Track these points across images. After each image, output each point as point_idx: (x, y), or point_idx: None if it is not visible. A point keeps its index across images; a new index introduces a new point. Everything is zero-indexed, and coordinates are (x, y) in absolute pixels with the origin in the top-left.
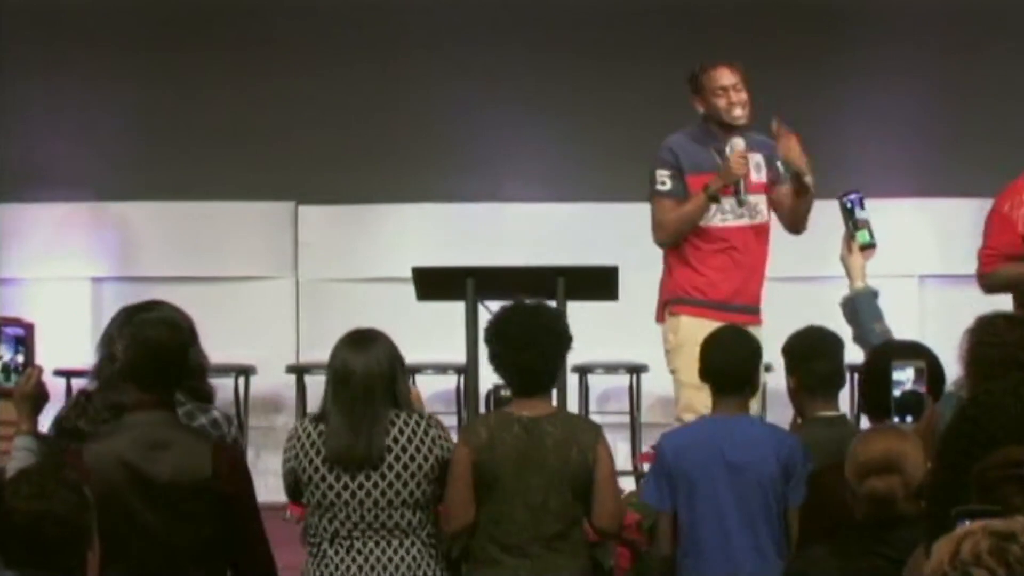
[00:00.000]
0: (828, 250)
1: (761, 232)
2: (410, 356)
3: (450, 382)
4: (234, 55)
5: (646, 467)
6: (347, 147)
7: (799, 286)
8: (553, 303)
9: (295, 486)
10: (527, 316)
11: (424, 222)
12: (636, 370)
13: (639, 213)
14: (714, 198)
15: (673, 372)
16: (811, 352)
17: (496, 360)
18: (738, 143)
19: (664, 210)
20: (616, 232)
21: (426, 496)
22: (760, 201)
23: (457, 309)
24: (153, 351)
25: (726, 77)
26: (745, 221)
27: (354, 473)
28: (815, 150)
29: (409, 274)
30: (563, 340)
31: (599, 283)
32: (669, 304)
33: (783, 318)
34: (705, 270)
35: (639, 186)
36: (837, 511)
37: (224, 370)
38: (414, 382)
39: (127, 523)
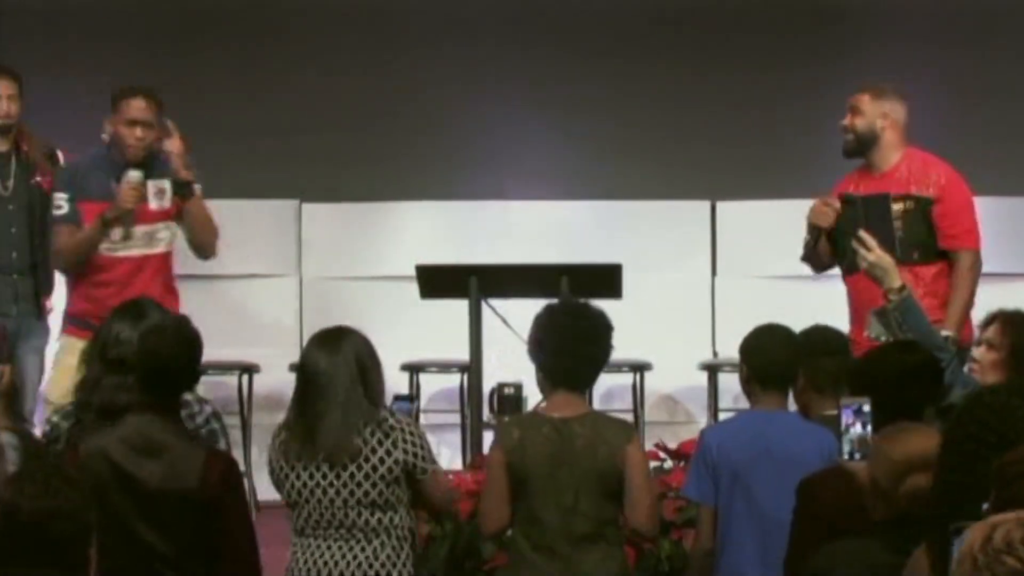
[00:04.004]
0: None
1: (152, 262)
2: (413, 354)
3: (453, 380)
4: (237, 53)
5: (651, 465)
6: (351, 145)
7: (799, 285)
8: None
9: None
10: (575, 316)
11: (428, 220)
12: (639, 368)
13: (642, 211)
14: (107, 226)
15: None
16: (820, 350)
17: (539, 357)
18: (134, 175)
19: (61, 235)
20: (619, 230)
21: (388, 498)
22: (159, 230)
23: (461, 307)
24: (165, 362)
25: (136, 111)
26: (135, 251)
27: (316, 469)
28: (817, 149)
29: (413, 272)
30: (608, 341)
31: (602, 281)
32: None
33: (785, 317)
34: (95, 295)
35: (642, 184)
36: (831, 519)
37: (227, 368)
38: (417, 380)
39: (111, 523)
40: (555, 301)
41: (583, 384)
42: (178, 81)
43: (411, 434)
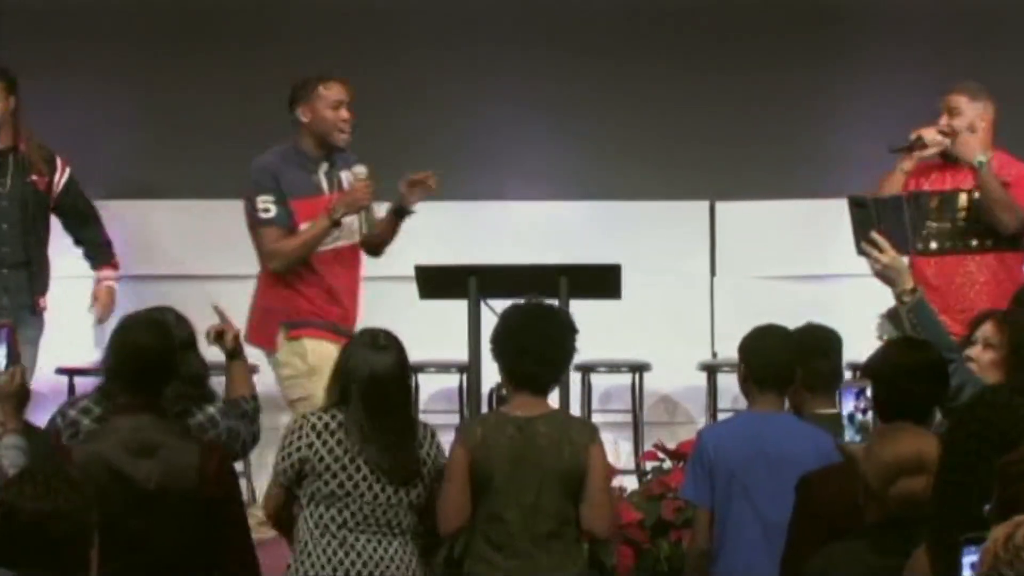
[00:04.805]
0: (828, 250)
1: (356, 251)
2: (412, 354)
3: (452, 381)
4: (238, 53)
5: (649, 466)
6: (349, 145)
7: (798, 285)
8: (555, 303)
9: (296, 477)
10: (537, 317)
11: (427, 220)
12: (638, 369)
13: (641, 212)
14: (337, 224)
15: (304, 399)
16: (813, 349)
17: (501, 357)
18: (362, 170)
19: (271, 238)
20: (619, 230)
21: (421, 500)
22: (353, 220)
23: (460, 307)
24: (137, 354)
25: (342, 92)
26: (343, 243)
27: (376, 478)
28: (817, 150)
29: (412, 272)
30: (571, 344)
31: (602, 281)
32: (285, 327)
33: (784, 317)
34: (311, 293)
35: (641, 184)
36: (830, 519)
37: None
38: (416, 380)
39: (111, 525)
40: (520, 301)
41: (543, 387)
42: (178, 81)
43: (440, 443)
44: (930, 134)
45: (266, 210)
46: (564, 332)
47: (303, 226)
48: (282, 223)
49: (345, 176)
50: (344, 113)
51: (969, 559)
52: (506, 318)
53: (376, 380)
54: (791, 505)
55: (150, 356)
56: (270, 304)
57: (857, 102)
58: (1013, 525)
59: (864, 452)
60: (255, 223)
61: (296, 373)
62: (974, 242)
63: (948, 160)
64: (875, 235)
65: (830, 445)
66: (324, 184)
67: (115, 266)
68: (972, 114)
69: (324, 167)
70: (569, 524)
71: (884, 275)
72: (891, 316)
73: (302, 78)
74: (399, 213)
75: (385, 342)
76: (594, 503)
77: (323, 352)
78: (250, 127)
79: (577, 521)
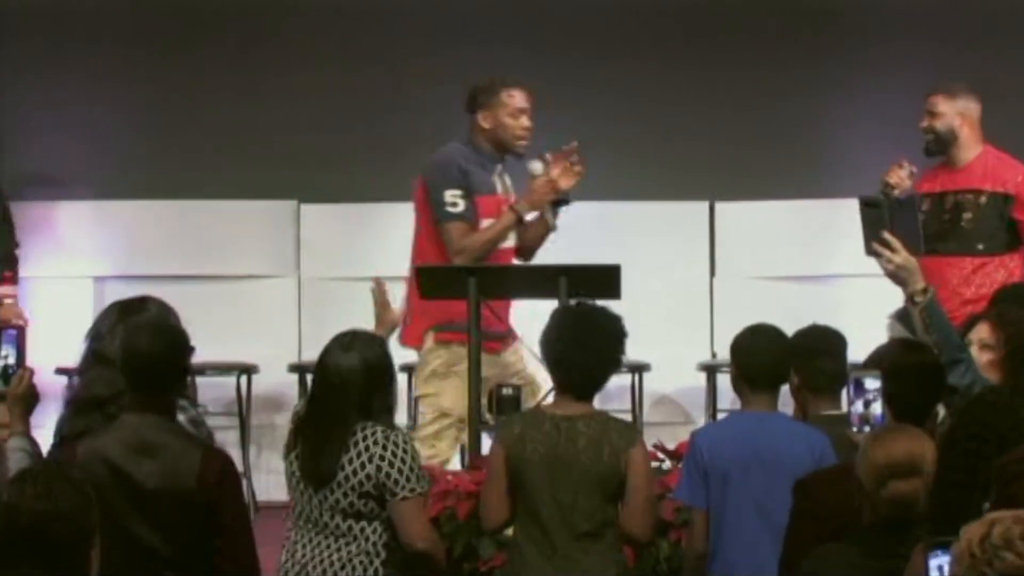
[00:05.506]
0: (827, 250)
1: (509, 255)
2: (412, 354)
3: None
4: (236, 53)
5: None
6: (349, 146)
7: (798, 286)
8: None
9: None
10: (582, 325)
11: None
12: (638, 369)
13: (641, 212)
14: (523, 221)
15: (429, 396)
16: (817, 350)
17: (545, 361)
18: (538, 167)
19: (458, 233)
20: (618, 231)
21: (359, 509)
22: None
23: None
24: (136, 359)
25: (524, 100)
26: (509, 244)
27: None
28: (817, 150)
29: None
30: (616, 352)
31: (601, 282)
32: (435, 330)
33: (783, 318)
34: None
35: (641, 185)
36: (827, 521)
37: (226, 369)
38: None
39: (109, 523)
40: (572, 302)
41: (585, 392)
42: (177, 81)
43: (393, 455)
44: (895, 177)
45: (454, 204)
46: (609, 341)
47: (484, 223)
48: (469, 218)
49: (508, 180)
50: (525, 121)
51: (936, 562)
52: (553, 323)
53: (324, 379)
54: (788, 505)
55: (150, 361)
56: (424, 307)
57: (857, 102)
58: (987, 524)
59: (859, 453)
60: (440, 217)
61: (432, 370)
62: (980, 246)
63: (951, 163)
64: (887, 235)
65: (825, 445)
66: (498, 185)
67: (12, 280)
68: (950, 112)
69: (498, 168)
70: (609, 526)
71: (896, 275)
72: (901, 317)
73: (485, 82)
74: (556, 204)
75: (350, 343)
76: (634, 507)
77: (464, 355)
78: (249, 127)
79: (616, 524)
